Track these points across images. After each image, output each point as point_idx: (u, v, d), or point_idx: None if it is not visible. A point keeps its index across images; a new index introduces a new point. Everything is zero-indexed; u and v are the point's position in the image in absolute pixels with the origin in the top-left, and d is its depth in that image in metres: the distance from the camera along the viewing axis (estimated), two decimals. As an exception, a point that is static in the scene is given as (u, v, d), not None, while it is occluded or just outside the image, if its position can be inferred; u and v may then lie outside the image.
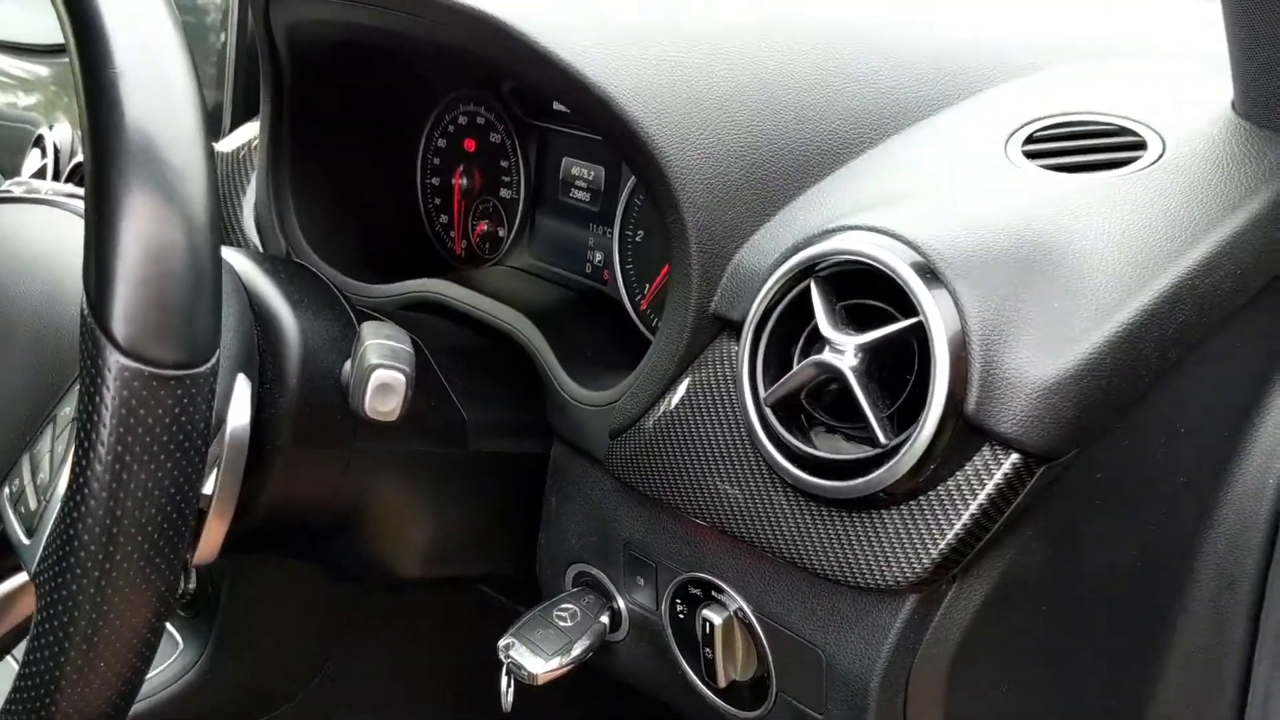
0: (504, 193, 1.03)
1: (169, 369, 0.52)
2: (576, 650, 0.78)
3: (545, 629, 0.79)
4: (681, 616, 0.74)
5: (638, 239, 0.93)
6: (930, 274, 0.58)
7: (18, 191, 0.85)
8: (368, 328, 0.72)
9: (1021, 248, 0.60)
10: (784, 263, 0.64)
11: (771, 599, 0.67)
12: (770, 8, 0.80)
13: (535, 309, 0.89)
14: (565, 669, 0.77)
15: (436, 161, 1.09)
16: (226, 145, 1.09)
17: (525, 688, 0.79)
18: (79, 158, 1.18)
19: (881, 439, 0.58)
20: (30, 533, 0.56)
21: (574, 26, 0.73)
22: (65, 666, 0.52)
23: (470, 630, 1.20)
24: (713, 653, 0.70)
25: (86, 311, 0.52)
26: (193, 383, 0.52)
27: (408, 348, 0.71)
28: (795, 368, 0.61)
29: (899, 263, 0.59)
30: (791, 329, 0.64)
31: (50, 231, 0.71)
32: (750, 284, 0.67)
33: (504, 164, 1.03)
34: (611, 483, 0.77)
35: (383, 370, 0.68)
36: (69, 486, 0.52)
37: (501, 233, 1.04)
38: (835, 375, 0.59)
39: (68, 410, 0.59)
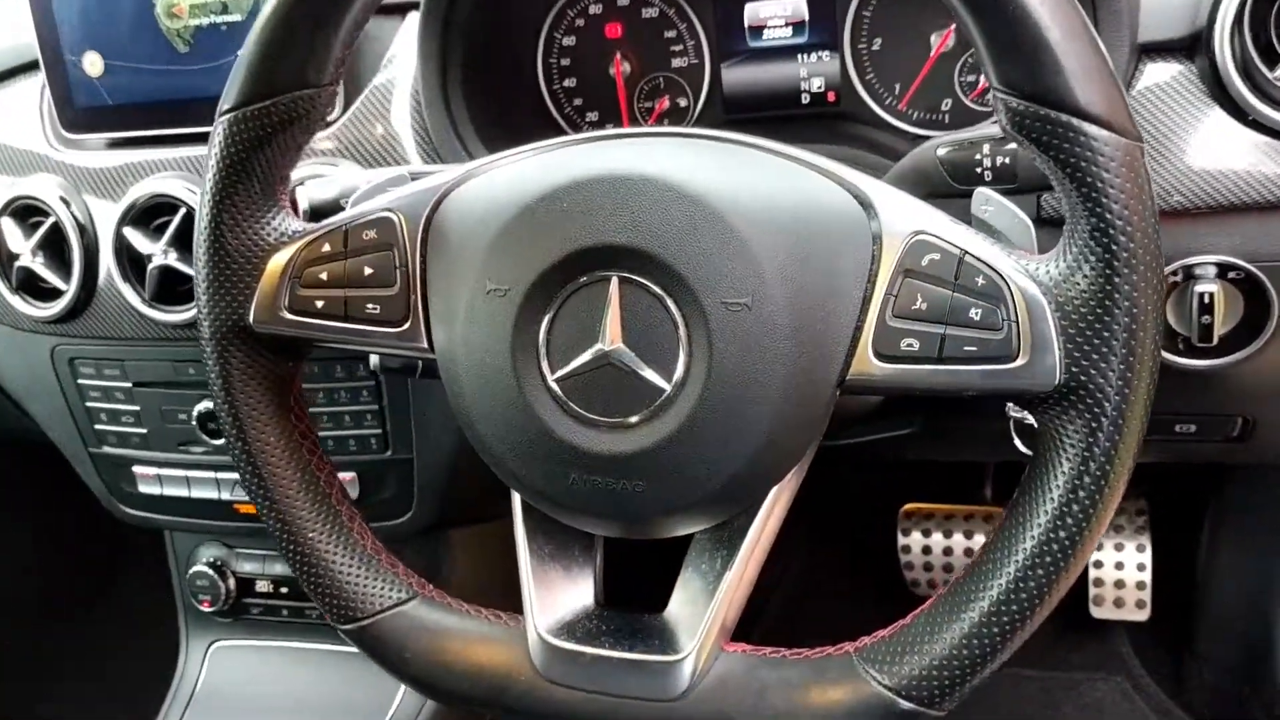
0: (676, 62, 1.04)
1: (1136, 140, 0.56)
2: None
3: None
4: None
5: (874, 48, 0.99)
6: None
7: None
8: None
9: None
10: None
11: (1265, 244, 0.82)
12: None
13: None
14: None
15: (566, 63, 1.07)
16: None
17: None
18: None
19: None
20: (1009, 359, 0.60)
21: None
22: (1122, 431, 0.59)
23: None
24: (1211, 318, 0.84)
25: (1023, 106, 0.56)
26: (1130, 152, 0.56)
27: None
28: None
29: None
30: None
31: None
32: (1172, 8, 0.80)
33: (669, 34, 1.04)
34: None
35: None
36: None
37: (684, 102, 1.05)
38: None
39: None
